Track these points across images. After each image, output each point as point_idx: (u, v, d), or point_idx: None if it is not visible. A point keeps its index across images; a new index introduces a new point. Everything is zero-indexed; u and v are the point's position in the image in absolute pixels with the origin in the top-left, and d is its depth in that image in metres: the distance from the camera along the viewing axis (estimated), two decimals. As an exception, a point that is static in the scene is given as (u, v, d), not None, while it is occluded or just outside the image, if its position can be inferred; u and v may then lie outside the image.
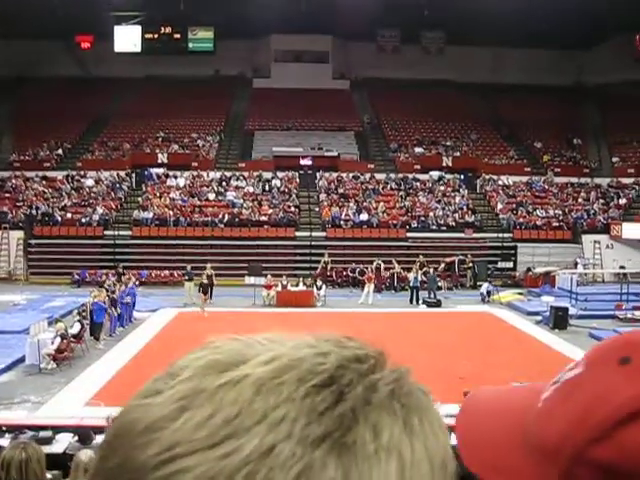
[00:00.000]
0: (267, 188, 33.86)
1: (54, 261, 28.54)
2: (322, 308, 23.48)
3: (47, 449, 6.47)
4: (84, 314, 17.21)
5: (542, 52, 40.67)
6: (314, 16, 37.97)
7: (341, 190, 33.87)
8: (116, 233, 30.05)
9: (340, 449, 0.40)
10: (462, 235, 30.98)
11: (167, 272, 28.54)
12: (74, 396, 13.05)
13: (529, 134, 38.98)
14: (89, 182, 33.77)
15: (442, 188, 34.42)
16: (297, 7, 37.48)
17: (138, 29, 40.21)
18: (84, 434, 7.55)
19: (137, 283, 23.48)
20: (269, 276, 24.86)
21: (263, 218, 31.23)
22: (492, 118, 40.31)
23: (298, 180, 34.89)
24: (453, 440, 0.54)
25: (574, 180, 35.79)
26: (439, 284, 26.79)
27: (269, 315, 21.56)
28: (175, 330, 19.20)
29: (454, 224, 31.54)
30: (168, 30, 40.87)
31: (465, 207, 32.87)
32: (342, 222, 31.27)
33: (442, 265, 28.33)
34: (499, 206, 33.28)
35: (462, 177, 35.34)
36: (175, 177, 34.44)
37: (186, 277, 24.58)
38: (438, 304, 24.32)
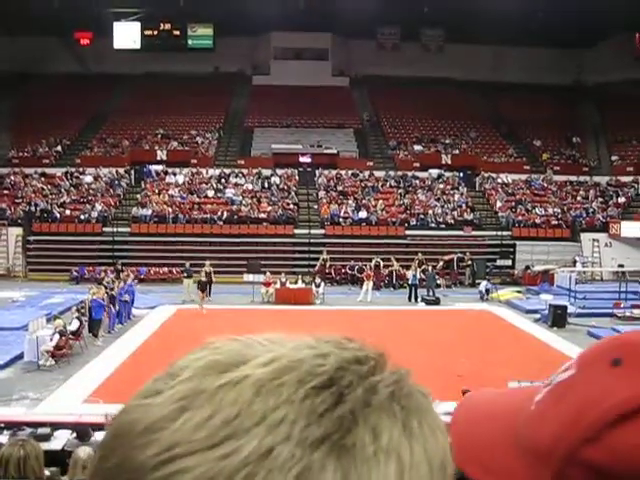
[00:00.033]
0: (266, 185, 33.85)
1: (53, 258, 28.53)
2: (321, 306, 23.48)
3: (45, 446, 6.47)
4: (83, 311, 17.21)
5: (542, 51, 40.67)
6: (314, 13, 37.97)
7: (340, 187, 33.87)
8: (115, 230, 30.03)
9: (339, 451, 0.40)
10: (461, 233, 30.98)
11: (166, 269, 28.54)
12: (72, 393, 13.05)
13: (528, 132, 38.98)
14: (88, 179, 33.74)
15: (441, 186, 34.42)
16: (297, 4, 37.49)
17: (137, 26, 40.19)
18: (82, 431, 7.55)
19: (136, 281, 23.50)
20: (268, 273, 24.86)
21: (262, 215, 31.22)
22: (492, 116, 40.31)
23: (297, 177, 34.89)
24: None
25: (573, 178, 35.80)
26: (438, 282, 26.79)
27: (267, 312, 21.56)
28: (174, 327, 19.21)
29: (453, 222, 31.55)
30: (167, 27, 40.87)
31: (464, 205, 32.88)
32: (341, 220, 31.27)
33: (441, 263, 28.35)
34: (498, 204, 33.29)
35: (461, 175, 35.35)
36: (174, 174, 34.42)
37: (185, 274, 24.57)
38: (437, 302, 24.33)
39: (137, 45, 40.52)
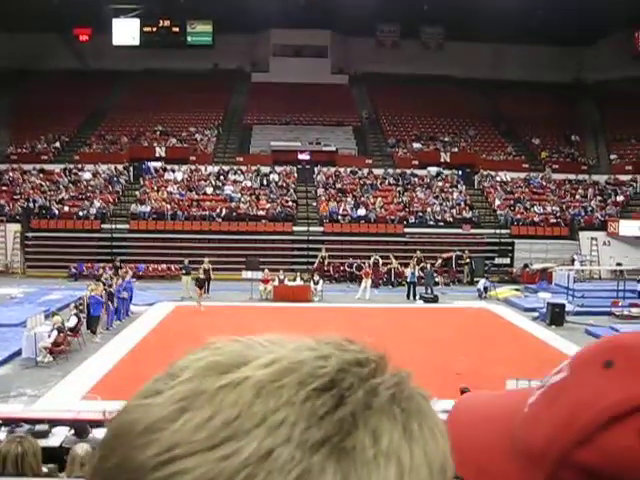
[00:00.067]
0: (265, 182, 33.84)
1: (51, 254, 28.51)
2: (319, 303, 23.51)
3: (43, 442, 6.48)
4: (81, 307, 17.23)
5: (542, 48, 40.65)
6: (313, 10, 37.91)
7: (339, 185, 33.87)
8: (113, 227, 30.01)
9: (339, 454, 0.40)
10: (460, 231, 30.99)
11: (164, 266, 28.54)
12: (71, 390, 13.06)
13: (527, 130, 38.97)
14: (87, 175, 33.71)
15: (440, 184, 34.42)
16: (296, 1, 37.44)
17: (136, 22, 40.11)
18: (80, 428, 7.54)
19: (134, 277, 23.49)
20: (266, 270, 24.87)
21: (261, 212, 31.21)
22: (491, 114, 40.30)
23: (296, 175, 34.87)
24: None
25: (572, 177, 35.81)
26: (436, 280, 26.82)
27: (266, 310, 21.58)
28: (172, 324, 19.22)
29: (452, 220, 31.56)
30: (167, 23, 40.80)
31: (463, 203, 32.89)
32: (340, 217, 31.27)
33: (439, 261, 28.37)
34: (497, 202, 33.31)
35: (460, 173, 35.35)
36: (173, 171, 34.40)
37: (183, 271, 24.57)
38: (435, 300, 24.35)
39: (136, 41, 40.44)
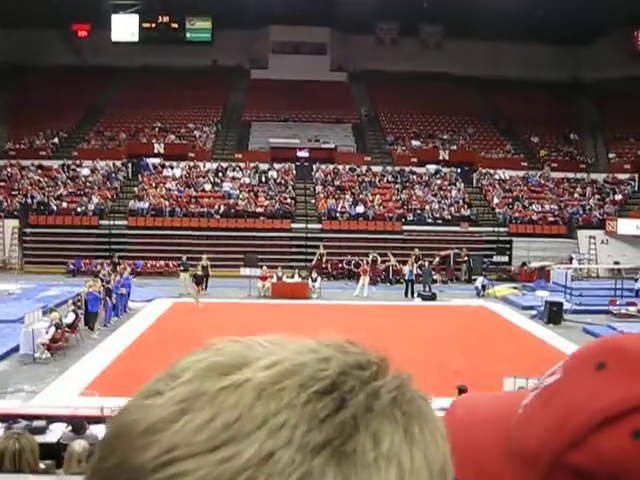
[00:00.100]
0: (263, 179, 33.83)
1: (49, 250, 28.49)
2: (317, 300, 23.52)
3: (41, 439, 6.48)
4: (79, 304, 17.21)
5: (540, 47, 40.63)
6: (313, 7, 37.86)
7: (337, 182, 33.86)
8: (112, 223, 30.00)
9: (340, 457, 0.39)
10: (458, 229, 31.01)
11: (162, 262, 28.53)
12: (68, 386, 13.06)
13: (526, 129, 38.98)
14: (85, 171, 33.68)
15: (438, 181, 34.43)
16: (296, -2, 37.35)
17: (135, 18, 40.04)
18: (78, 424, 7.53)
19: (133, 274, 23.47)
20: (264, 267, 24.86)
21: (259, 209, 31.21)
22: (489, 112, 40.29)
23: (294, 172, 34.85)
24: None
25: (570, 175, 35.85)
26: (434, 277, 26.81)
27: (264, 307, 21.59)
28: (170, 320, 19.23)
29: (450, 218, 31.57)
30: (166, 19, 40.73)
31: (461, 201, 32.90)
32: (338, 214, 31.27)
33: (437, 259, 28.36)
34: (495, 200, 33.33)
35: (459, 171, 35.37)
36: (171, 167, 34.37)
37: (181, 268, 24.57)
38: (433, 297, 24.37)
39: (135, 38, 40.37)
